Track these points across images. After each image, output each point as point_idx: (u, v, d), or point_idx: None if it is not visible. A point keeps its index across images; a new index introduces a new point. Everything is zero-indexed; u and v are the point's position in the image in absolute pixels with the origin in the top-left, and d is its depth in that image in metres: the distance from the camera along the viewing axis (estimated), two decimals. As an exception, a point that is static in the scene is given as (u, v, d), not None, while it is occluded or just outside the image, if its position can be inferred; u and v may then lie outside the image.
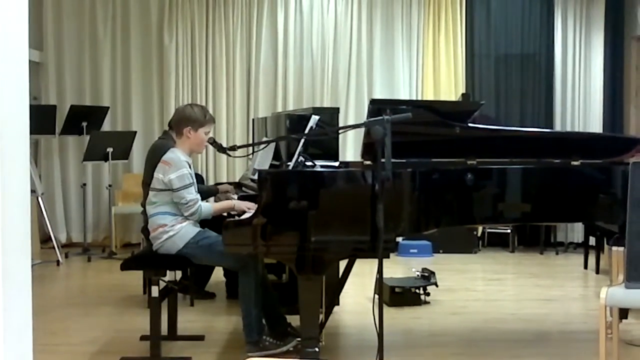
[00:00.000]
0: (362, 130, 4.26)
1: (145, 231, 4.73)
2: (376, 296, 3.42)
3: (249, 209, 4.07)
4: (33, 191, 6.72)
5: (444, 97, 8.31)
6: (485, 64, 8.61)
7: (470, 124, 4.42)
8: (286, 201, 3.63)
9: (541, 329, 4.99)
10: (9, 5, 2.35)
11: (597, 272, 6.89)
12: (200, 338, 4.60)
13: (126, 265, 4.28)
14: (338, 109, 5.65)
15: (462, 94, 8.24)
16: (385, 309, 3.94)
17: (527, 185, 4.30)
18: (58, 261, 7.24)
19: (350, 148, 8.10)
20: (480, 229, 8.28)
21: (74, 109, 7.76)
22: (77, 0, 8.27)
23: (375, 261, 3.31)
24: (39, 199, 7.29)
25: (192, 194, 4.16)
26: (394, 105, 4.36)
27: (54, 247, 7.35)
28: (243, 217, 3.93)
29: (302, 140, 4.32)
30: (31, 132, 2.52)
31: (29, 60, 2.52)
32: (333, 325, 4.89)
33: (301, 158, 4.34)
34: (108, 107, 8.13)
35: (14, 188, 2.39)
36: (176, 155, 4.21)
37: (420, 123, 4.23)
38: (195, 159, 7.81)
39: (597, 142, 5.00)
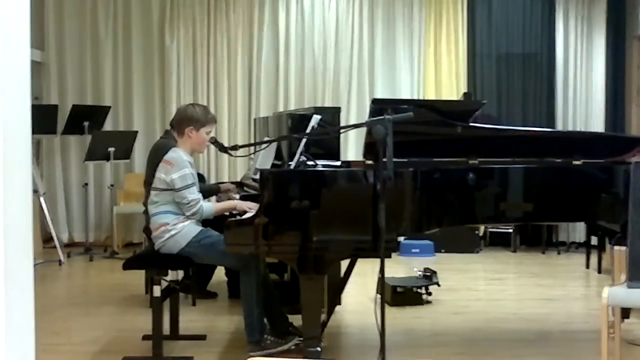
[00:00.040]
0: (363, 129, 4.26)
1: (147, 231, 4.73)
2: (378, 296, 3.43)
3: (250, 209, 4.07)
4: (35, 191, 6.73)
5: (445, 96, 8.31)
6: (487, 64, 8.60)
7: (471, 124, 4.42)
8: (288, 201, 3.63)
9: (543, 328, 4.99)
10: (11, 5, 2.35)
11: (599, 271, 6.89)
12: (202, 338, 4.61)
13: (128, 265, 4.28)
14: (339, 108, 5.66)
15: (464, 94, 8.24)
16: (387, 308, 3.95)
17: (528, 184, 4.30)
18: (60, 261, 7.25)
19: (352, 148, 8.10)
20: (482, 228, 8.28)
21: (76, 108, 7.77)
22: (78, 0, 8.28)
23: (377, 261, 3.31)
24: (41, 198, 7.29)
25: (193, 193, 4.16)
26: (395, 104, 4.36)
27: (56, 247, 7.35)
28: (244, 216, 3.93)
29: (304, 140, 4.32)
30: (33, 132, 2.52)
31: (31, 60, 2.52)
32: (335, 324, 4.89)
33: (303, 158, 4.34)
34: (110, 107, 8.14)
35: (16, 188, 2.39)
36: (178, 154, 4.21)
37: (421, 122, 4.23)
38: (197, 158, 7.81)
39: (599, 141, 5.00)
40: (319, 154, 4.66)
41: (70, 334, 4.83)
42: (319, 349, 3.69)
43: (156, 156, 4.74)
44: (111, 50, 8.32)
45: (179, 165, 4.15)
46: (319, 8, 8.36)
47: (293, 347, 4.14)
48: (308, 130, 4.35)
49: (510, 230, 8.30)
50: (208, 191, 5.47)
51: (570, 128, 8.48)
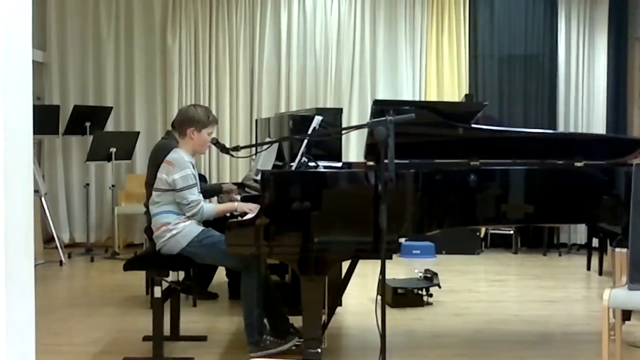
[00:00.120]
0: (365, 130, 4.26)
1: (148, 231, 4.73)
2: (379, 297, 3.42)
3: (251, 210, 4.07)
4: (36, 191, 6.74)
5: (447, 97, 8.30)
6: (489, 65, 8.61)
7: (473, 125, 4.42)
8: (289, 202, 3.63)
9: (544, 330, 4.98)
10: (13, 5, 2.36)
11: (600, 273, 6.88)
12: (202, 338, 4.61)
13: (129, 266, 4.28)
14: (341, 109, 5.66)
15: (465, 95, 8.24)
16: (388, 310, 3.94)
17: (530, 186, 4.29)
18: (61, 261, 7.25)
19: (353, 149, 8.11)
20: (483, 230, 8.27)
21: (77, 109, 7.77)
22: (80, 0, 8.29)
23: (378, 262, 3.31)
24: (42, 199, 7.30)
25: (194, 194, 4.16)
26: (397, 105, 4.35)
27: (57, 247, 7.36)
28: (246, 217, 3.93)
29: (305, 141, 4.32)
30: (34, 132, 2.52)
31: (32, 60, 2.52)
32: (335, 326, 4.89)
33: (304, 159, 4.34)
34: (111, 107, 8.14)
35: (17, 188, 2.39)
36: (180, 155, 4.21)
37: (423, 124, 4.22)
38: (199, 159, 7.81)
39: (601, 143, 4.99)
40: (320, 155, 4.66)
41: (71, 334, 4.82)
42: (319, 350, 3.69)
43: (158, 157, 4.74)
44: (113, 51, 8.33)
45: (181, 166, 4.15)
46: (321, 9, 8.36)
47: (293, 348, 4.13)
48: (309, 131, 4.35)
49: (512, 232, 8.29)
50: (210, 191, 5.47)
51: (571, 129, 8.48)
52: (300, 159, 4.30)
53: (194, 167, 4.25)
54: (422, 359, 4.35)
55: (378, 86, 8.41)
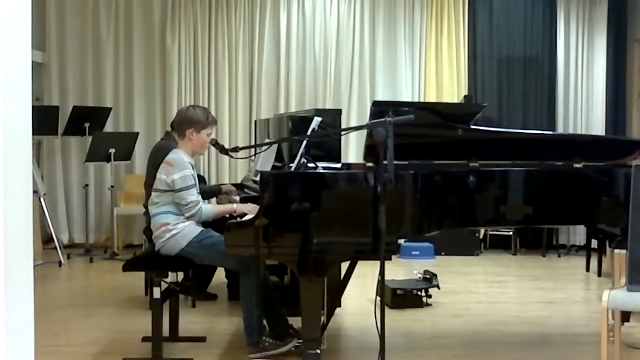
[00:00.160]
0: (364, 132, 4.26)
1: (148, 232, 4.73)
2: (378, 298, 3.42)
3: (250, 212, 4.07)
4: (35, 192, 6.73)
5: (446, 99, 8.30)
6: (488, 66, 8.61)
7: (472, 126, 4.42)
8: (288, 203, 3.64)
9: (543, 331, 4.98)
10: (12, 6, 2.36)
11: (600, 275, 6.88)
12: (202, 340, 4.60)
13: (128, 267, 4.28)
14: (340, 110, 5.67)
15: (465, 96, 8.24)
16: (387, 311, 3.94)
17: (529, 187, 4.30)
18: (60, 262, 7.24)
19: (353, 150, 8.10)
20: (482, 231, 8.28)
21: (77, 110, 7.77)
22: (80, 1, 8.29)
23: (377, 263, 3.31)
24: (42, 199, 7.30)
25: (193, 195, 4.16)
26: (396, 107, 4.35)
27: (56, 248, 7.36)
28: (245, 219, 3.93)
29: (305, 142, 4.32)
30: (34, 133, 2.52)
31: (32, 61, 2.52)
32: (335, 327, 4.89)
33: (303, 160, 4.34)
34: (111, 108, 8.14)
35: (17, 189, 2.39)
36: (179, 156, 4.22)
37: (422, 125, 4.22)
38: (198, 160, 7.81)
39: (600, 144, 5.00)
40: (319, 156, 4.66)
41: (70, 335, 4.82)
42: (318, 351, 3.70)
43: (157, 158, 4.74)
44: (112, 52, 8.33)
45: (180, 167, 4.16)
46: (320, 10, 8.37)
47: (293, 349, 4.13)
48: (309, 133, 4.35)
49: (511, 233, 8.29)
50: (209, 192, 5.48)
51: (571, 131, 8.48)
52: (300, 160, 4.30)
53: (193, 168, 4.25)
54: (421, 360, 4.36)
55: (377, 87, 8.41)
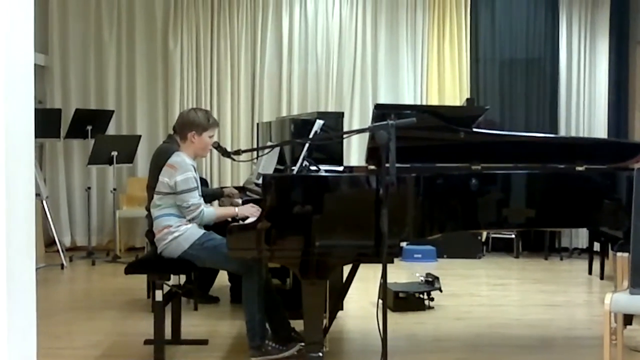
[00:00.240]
0: (366, 135, 4.26)
1: (150, 235, 4.73)
2: (380, 301, 3.42)
3: (252, 214, 4.06)
4: (38, 194, 6.74)
5: (448, 101, 8.30)
6: (490, 69, 8.61)
7: (474, 129, 4.42)
8: (290, 206, 3.64)
9: (545, 334, 4.98)
10: (15, 9, 2.36)
11: (602, 277, 6.87)
12: (203, 342, 4.60)
13: (130, 269, 4.28)
14: (342, 113, 5.66)
15: (467, 99, 8.24)
16: (389, 314, 3.94)
17: (531, 190, 4.29)
18: (62, 265, 7.25)
19: (355, 153, 8.11)
20: (484, 234, 8.27)
21: (79, 112, 7.78)
22: (82, 4, 8.30)
23: (379, 266, 3.31)
24: (44, 202, 7.30)
25: (195, 197, 4.16)
26: (398, 110, 4.35)
27: (58, 251, 7.36)
28: (247, 221, 3.93)
29: (307, 145, 4.32)
30: (36, 136, 2.53)
31: (34, 64, 2.52)
32: (337, 330, 4.88)
33: (305, 162, 4.35)
34: (113, 111, 8.15)
35: (19, 191, 2.39)
36: (182, 158, 4.22)
37: (424, 128, 4.22)
38: (200, 163, 7.82)
39: (602, 147, 4.99)
40: (321, 159, 4.66)
41: (72, 338, 4.82)
42: (320, 354, 3.69)
43: (159, 160, 4.74)
44: (115, 55, 8.34)
45: (183, 169, 4.16)
46: (323, 13, 8.37)
47: (295, 354, 4.13)
48: (311, 135, 4.35)
49: (513, 236, 8.28)
50: (211, 195, 5.48)
51: (573, 134, 8.47)
52: (302, 163, 4.30)
53: (195, 171, 4.26)
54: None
55: (379, 90, 8.41)
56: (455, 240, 7.76)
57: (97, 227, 8.34)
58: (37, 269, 2.77)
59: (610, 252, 6.62)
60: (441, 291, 5.63)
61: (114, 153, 7.51)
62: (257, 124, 7.49)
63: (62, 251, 7.39)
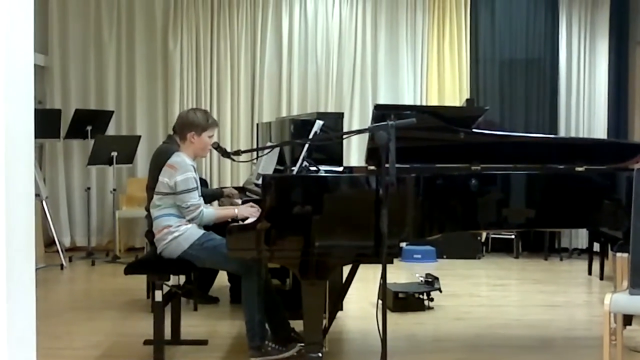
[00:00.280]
0: (366, 135, 4.26)
1: (149, 235, 4.73)
2: (380, 301, 3.42)
3: (252, 214, 4.06)
4: (37, 195, 6.74)
5: (448, 102, 8.30)
6: (490, 69, 8.61)
7: (474, 130, 4.42)
8: (290, 206, 3.63)
9: (545, 335, 4.98)
10: (15, 9, 2.36)
11: (602, 278, 6.87)
12: (203, 343, 4.60)
13: (130, 270, 4.28)
14: (342, 114, 5.66)
15: (467, 100, 8.24)
16: (389, 314, 3.94)
17: (531, 191, 4.29)
18: (62, 265, 7.25)
19: (355, 153, 8.11)
20: (484, 234, 8.27)
21: (79, 113, 7.78)
22: (82, 4, 8.30)
23: (379, 266, 3.31)
24: (43, 202, 7.30)
25: (194, 198, 4.16)
26: (398, 110, 4.35)
27: (58, 251, 7.36)
28: (247, 222, 3.93)
29: (306, 145, 4.32)
30: (36, 136, 2.53)
31: (34, 64, 2.52)
32: (336, 330, 4.88)
33: (305, 163, 4.34)
34: (113, 112, 8.15)
35: (19, 191, 2.39)
36: (182, 159, 4.22)
37: (424, 128, 4.22)
38: (200, 163, 7.82)
39: (602, 148, 4.99)
40: (321, 159, 4.66)
41: (72, 338, 4.82)
42: (320, 354, 3.69)
43: (159, 161, 4.74)
44: (114, 55, 8.34)
45: (183, 169, 4.16)
46: (322, 13, 8.37)
47: (295, 354, 4.13)
48: (311, 136, 4.35)
49: (513, 236, 8.29)
50: (211, 195, 5.48)
51: (573, 134, 8.47)
52: (302, 163, 4.30)
53: (195, 171, 4.26)
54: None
55: (379, 90, 8.41)
56: (455, 240, 7.77)
57: (96, 227, 8.34)
58: (36, 269, 2.77)
59: (610, 253, 6.62)
60: (441, 291, 5.64)
61: (114, 153, 7.51)
62: (257, 124, 7.49)
63: (62, 251, 7.39)
